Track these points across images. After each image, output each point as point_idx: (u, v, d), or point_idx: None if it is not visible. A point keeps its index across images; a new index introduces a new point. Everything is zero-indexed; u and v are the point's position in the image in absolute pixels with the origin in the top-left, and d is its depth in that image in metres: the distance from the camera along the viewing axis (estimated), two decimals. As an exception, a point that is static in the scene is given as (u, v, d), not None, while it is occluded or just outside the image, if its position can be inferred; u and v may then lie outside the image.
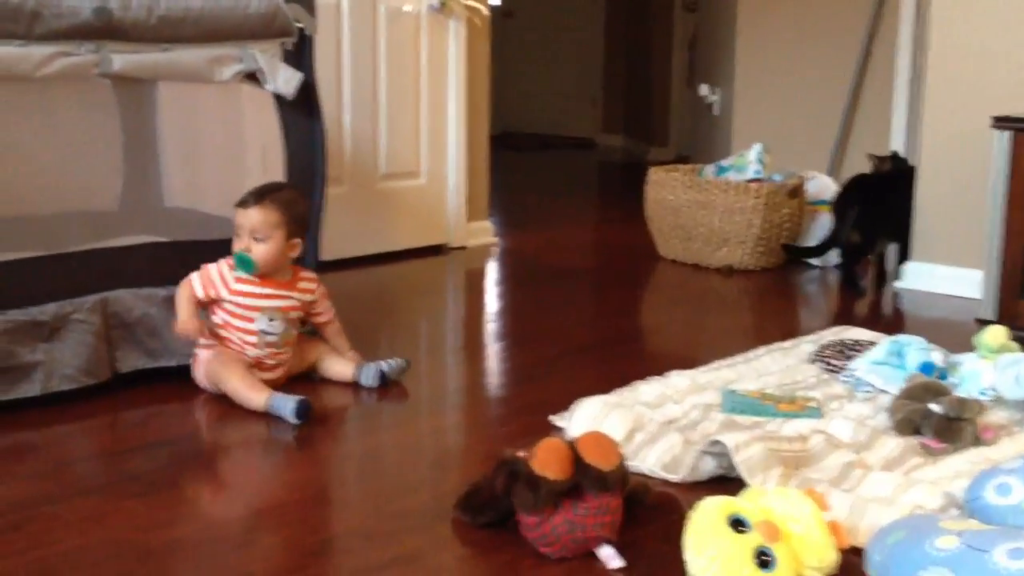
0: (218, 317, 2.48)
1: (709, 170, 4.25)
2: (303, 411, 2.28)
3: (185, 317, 2.42)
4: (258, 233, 2.43)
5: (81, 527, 1.79)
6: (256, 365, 2.47)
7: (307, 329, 2.67)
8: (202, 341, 2.48)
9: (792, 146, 5.24)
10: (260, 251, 2.44)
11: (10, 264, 2.34)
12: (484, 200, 4.54)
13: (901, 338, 2.60)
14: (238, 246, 2.45)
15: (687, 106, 7.74)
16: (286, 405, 2.29)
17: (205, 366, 2.45)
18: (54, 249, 2.42)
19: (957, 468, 2.02)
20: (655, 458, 2.05)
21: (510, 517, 1.76)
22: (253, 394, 2.35)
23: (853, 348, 2.74)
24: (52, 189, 2.60)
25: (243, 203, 2.46)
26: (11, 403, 2.31)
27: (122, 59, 2.40)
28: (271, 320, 2.47)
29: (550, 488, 1.67)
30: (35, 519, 1.81)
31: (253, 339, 2.46)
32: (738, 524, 1.58)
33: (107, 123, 2.68)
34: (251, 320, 2.46)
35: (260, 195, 2.46)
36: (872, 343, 2.74)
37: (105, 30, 2.35)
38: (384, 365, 2.55)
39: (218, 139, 2.97)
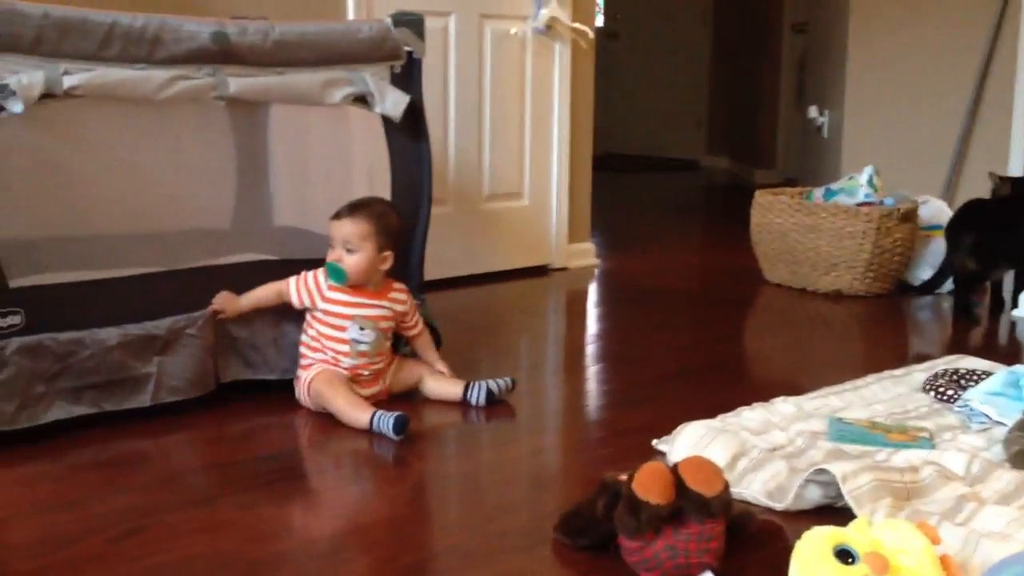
0: (312, 330, 2.54)
1: (818, 193, 4.17)
2: (401, 426, 2.32)
3: (234, 296, 2.50)
4: (350, 244, 2.50)
5: (191, 537, 1.84)
6: (354, 379, 2.51)
7: (406, 350, 2.71)
8: (303, 362, 2.54)
9: (904, 169, 5.12)
10: (351, 261, 2.50)
11: (128, 279, 2.43)
12: (586, 221, 4.54)
13: (1018, 368, 2.51)
14: (331, 257, 2.52)
15: (794, 128, 7.63)
16: (387, 421, 2.33)
17: (308, 386, 2.50)
18: (169, 265, 2.50)
19: (1077, 504, 1.94)
20: (759, 485, 2.02)
21: (611, 541, 1.75)
22: (357, 412, 2.39)
23: (967, 378, 2.65)
24: (169, 208, 2.69)
25: (337, 215, 2.54)
26: (123, 414, 2.39)
27: (238, 82, 2.47)
28: (362, 329, 2.52)
29: (652, 513, 1.66)
30: (147, 528, 1.87)
31: (345, 348, 2.51)
32: (845, 555, 1.55)
33: (222, 144, 2.77)
34: (343, 329, 2.51)
35: (353, 208, 2.54)
36: (987, 373, 2.65)
37: (222, 54, 2.43)
38: (492, 384, 2.57)
39: (326, 160, 3.03)
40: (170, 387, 2.44)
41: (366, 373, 2.54)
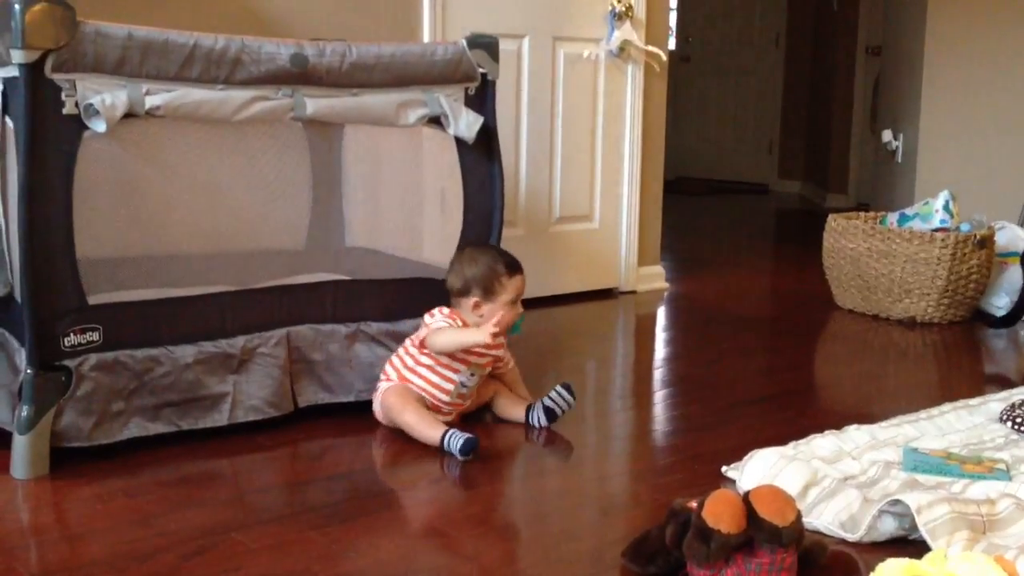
0: (419, 366, 2.54)
1: (892, 218, 4.11)
2: (469, 448, 2.33)
3: (475, 330, 2.45)
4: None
5: (262, 555, 1.86)
6: (433, 408, 2.53)
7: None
8: (382, 378, 2.56)
9: (981, 194, 5.02)
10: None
11: (204, 298, 2.47)
12: (656, 244, 4.52)
13: (1100, 400, 2.44)
14: (517, 310, 2.55)
15: (868, 152, 7.54)
16: (457, 441, 2.34)
17: (383, 398, 2.52)
18: (245, 285, 2.54)
19: None
20: (831, 515, 1.99)
21: (680, 569, 1.74)
22: (429, 430, 2.41)
23: (1047, 409, 2.59)
24: (245, 227, 2.73)
25: (517, 269, 2.56)
26: (198, 432, 2.43)
27: (315, 103, 2.51)
28: (472, 375, 2.56)
29: (722, 541, 1.64)
30: (219, 545, 1.89)
31: (450, 387, 2.53)
32: (921, 590, 1.52)
33: (298, 165, 2.80)
34: (456, 371, 2.53)
35: (519, 263, 2.58)
36: (1068, 404, 2.58)
37: (300, 76, 2.48)
38: (547, 400, 2.57)
39: (398, 181, 3.06)
40: (247, 406, 2.48)
41: (447, 409, 2.57)
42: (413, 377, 2.53)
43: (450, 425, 2.44)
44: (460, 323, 2.51)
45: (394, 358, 2.59)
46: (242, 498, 2.13)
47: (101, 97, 2.21)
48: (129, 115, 2.27)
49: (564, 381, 2.63)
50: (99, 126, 2.22)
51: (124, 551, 1.86)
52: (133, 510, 2.04)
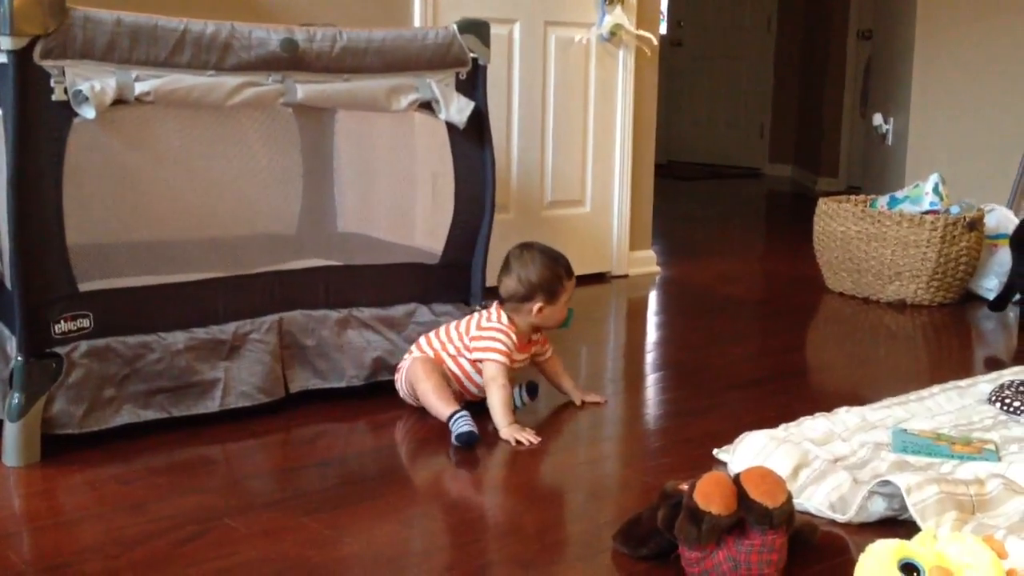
0: (470, 356, 2.53)
1: (882, 201, 4.12)
2: (466, 440, 2.33)
3: (506, 423, 2.45)
4: None
5: (256, 541, 1.86)
6: (458, 392, 2.54)
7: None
8: (415, 348, 2.58)
9: (970, 177, 5.04)
10: None
11: (195, 284, 2.47)
12: (647, 229, 4.53)
13: (1089, 381, 2.46)
14: (566, 308, 2.58)
15: (858, 135, 7.55)
16: (460, 426, 2.35)
17: (411, 366, 2.52)
18: (236, 270, 2.54)
19: None
20: (822, 496, 2.00)
21: (672, 551, 1.75)
22: (442, 404, 2.43)
23: (1036, 390, 2.61)
24: (236, 213, 2.73)
25: (572, 270, 2.59)
26: (190, 418, 2.43)
27: (305, 89, 2.51)
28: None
29: (714, 523, 1.65)
30: (213, 531, 1.90)
31: (480, 381, 2.54)
32: (910, 569, 1.53)
33: (289, 150, 2.80)
34: (531, 361, 2.59)
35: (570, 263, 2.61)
36: (1057, 386, 2.60)
37: (290, 61, 2.47)
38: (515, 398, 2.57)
39: (390, 166, 3.06)
40: (239, 392, 2.48)
41: (474, 396, 2.58)
42: (451, 364, 2.54)
43: (464, 407, 2.46)
44: (514, 337, 2.51)
45: (433, 339, 2.57)
46: (235, 484, 2.14)
47: (90, 83, 2.21)
48: (119, 101, 2.26)
49: (531, 382, 2.64)
50: (88, 112, 2.21)
51: (116, 538, 1.86)
52: (125, 497, 2.05)
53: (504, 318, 2.53)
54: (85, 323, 2.29)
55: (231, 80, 2.40)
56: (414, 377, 2.51)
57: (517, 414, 2.51)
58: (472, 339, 2.53)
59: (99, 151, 2.36)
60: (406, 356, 2.60)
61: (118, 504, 2.01)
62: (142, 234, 2.58)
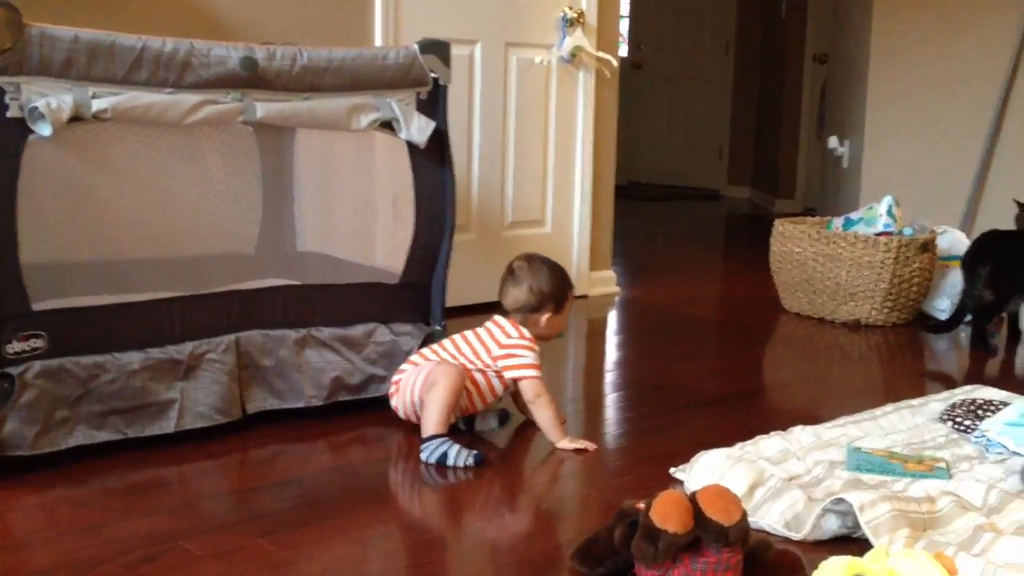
0: (496, 373, 2.54)
1: (837, 223, 4.18)
2: (438, 461, 2.33)
3: (560, 436, 2.50)
4: None
5: (211, 563, 1.84)
6: (465, 406, 2.55)
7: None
8: (432, 356, 2.56)
9: (924, 199, 5.12)
10: None
11: (151, 303, 2.45)
12: (608, 249, 4.56)
13: (1037, 400, 2.50)
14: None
15: (815, 158, 7.64)
16: (435, 451, 2.35)
17: (440, 368, 2.48)
18: (193, 290, 2.53)
19: (1097, 538, 1.93)
20: (777, 514, 2.02)
21: (628, 569, 1.75)
22: (438, 421, 2.40)
23: (984, 408, 2.65)
24: (194, 232, 2.72)
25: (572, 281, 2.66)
26: (145, 439, 2.40)
27: (265, 107, 2.50)
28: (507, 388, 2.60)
29: (670, 541, 1.66)
30: (167, 553, 1.88)
31: (492, 400, 2.57)
32: (862, 586, 1.55)
33: (248, 169, 2.80)
34: (506, 387, 2.57)
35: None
36: (1004, 403, 2.64)
37: (250, 79, 2.47)
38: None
39: (350, 185, 3.06)
40: (195, 413, 2.46)
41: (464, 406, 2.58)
42: (479, 377, 2.54)
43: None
44: (537, 347, 2.55)
45: (447, 356, 2.54)
46: (190, 506, 2.12)
47: (46, 100, 2.19)
48: (75, 119, 2.25)
49: (504, 410, 2.65)
50: (44, 130, 2.20)
51: (69, 561, 1.83)
52: (78, 519, 2.02)
53: (524, 331, 2.55)
54: (38, 343, 2.26)
55: (190, 98, 2.39)
56: (441, 376, 2.44)
57: (492, 435, 2.55)
58: (497, 358, 2.53)
59: (55, 169, 2.34)
60: (407, 366, 2.56)
61: (71, 527, 1.98)
62: (98, 253, 2.57)
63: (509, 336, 2.54)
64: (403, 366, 2.60)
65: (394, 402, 2.58)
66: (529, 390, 2.51)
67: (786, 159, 8.04)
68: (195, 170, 2.64)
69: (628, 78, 8.19)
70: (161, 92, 2.36)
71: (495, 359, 2.53)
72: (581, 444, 2.48)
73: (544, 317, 2.57)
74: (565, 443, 2.48)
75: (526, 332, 2.55)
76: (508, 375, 2.53)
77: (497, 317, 2.59)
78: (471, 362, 2.54)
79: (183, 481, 2.28)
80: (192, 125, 2.44)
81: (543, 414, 2.50)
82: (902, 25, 5.49)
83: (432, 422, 2.40)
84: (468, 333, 2.59)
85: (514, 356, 2.52)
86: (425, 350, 2.61)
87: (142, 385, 2.39)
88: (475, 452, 2.35)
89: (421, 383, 2.48)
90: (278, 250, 2.96)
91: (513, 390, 2.62)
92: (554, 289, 2.57)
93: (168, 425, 2.43)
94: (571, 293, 2.63)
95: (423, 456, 2.36)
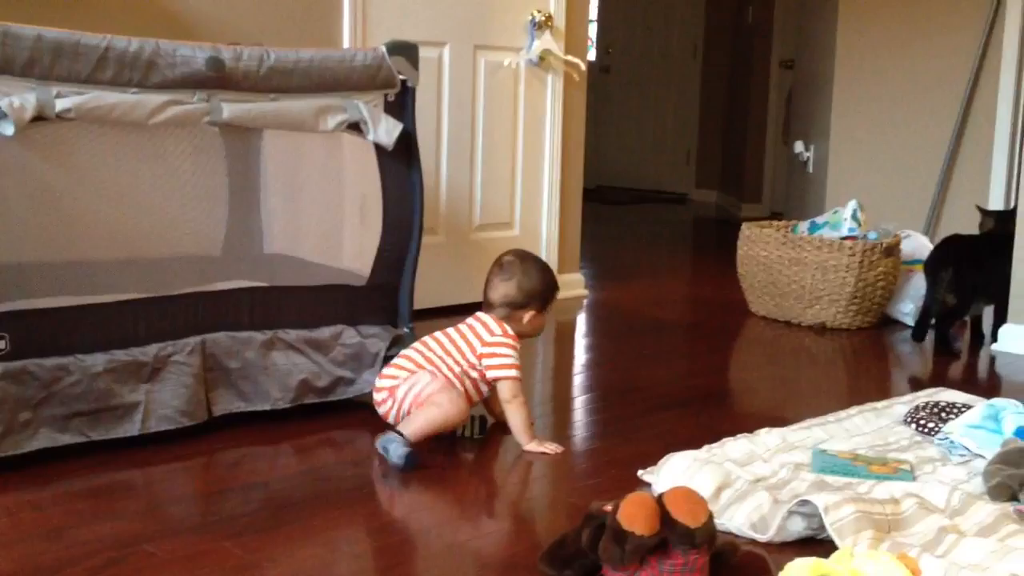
0: (477, 375, 2.54)
1: (803, 227, 4.21)
2: (406, 463, 2.33)
3: (529, 438, 2.51)
4: None
5: (176, 567, 1.83)
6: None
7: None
8: (426, 369, 2.52)
9: (888, 204, 5.17)
10: None
11: (116, 305, 2.43)
12: (576, 252, 4.57)
13: (997, 402, 2.53)
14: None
15: (781, 162, 7.70)
16: (386, 442, 2.35)
17: (433, 385, 2.47)
18: (158, 292, 2.50)
19: (1057, 538, 1.96)
20: (743, 516, 2.03)
21: (596, 572, 1.76)
22: (417, 433, 2.39)
23: (947, 411, 2.68)
24: (160, 233, 2.69)
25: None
26: (110, 442, 2.38)
27: (231, 108, 2.49)
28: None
29: (637, 543, 1.67)
30: (131, 557, 1.86)
31: (483, 393, 2.57)
32: (827, 587, 1.56)
33: (214, 170, 2.77)
34: (490, 386, 2.57)
35: None
36: (967, 406, 2.67)
37: (216, 80, 2.45)
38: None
39: (318, 187, 3.04)
40: (160, 416, 2.43)
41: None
42: (456, 384, 2.52)
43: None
44: (519, 345, 2.55)
45: (433, 356, 2.53)
46: (155, 509, 2.10)
47: (9, 100, 2.17)
48: (38, 118, 2.22)
49: (484, 417, 2.64)
50: (6, 129, 2.17)
51: (31, 565, 1.81)
52: (41, 523, 2.00)
53: (508, 329, 2.55)
54: (1, 345, 2.24)
55: (155, 98, 2.37)
56: (449, 404, 2.43)
57: (466, 442, 2.55)
58: (482, 356, 2.53)
59: (17, 169, 2.31)
60: (395, 371, 2.52)
61: (33, 530, 1.96)
62: (62, 254, 2.54)
63: (493, 333, 2.54)
64: (390, 371, 2.55)
65: (383, 409, 2.53)
66: (507, 390, 2.51)
67: (753, 163, 8.09)
68: (160, 171, 2.61)
69: (596, 82, 8.23)
70: (126, 92, 2.34)
71: (480, 356, 2.53)
72: (548, 448, 2.49)
73: (528, 315, 2.57)
74: (533, 445, 2.49)
75: (509, 329, 2.55)
76: (490, 374, 2.53)
77: (480, 314, 2.59)
78: (456, 362, 2.53)
79: (148, 484, 2.26)
80: (157, 125, 2.42)
81: (516, 415, 2.50)
82: (867, 32, 5.55)
83: (413, 430, 2.39)
84: (451, 331, 2.59)
85: (496, 355, 2.52)
86: (411, 352, 2.56)
87: (106, 387, 2.36)
88: (408, 452, 2.32)
89: (418, 394, 2.46)
90: (245, 252, 2.94)
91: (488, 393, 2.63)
92: (542, 288, 2.57)
93: (133, 428, 2.41)
94: (556, 294, 2.63)
95: (377, 443, 2.36)
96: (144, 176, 2.59)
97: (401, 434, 2.37)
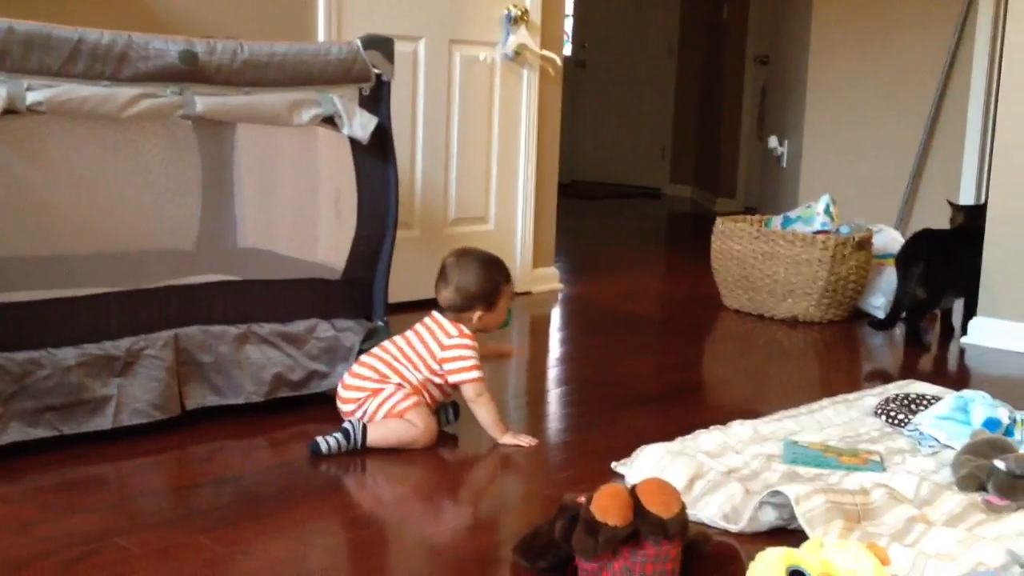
0: (439, 380, 2.53)
1: (776, 221, 4.24)
2: (314, 447, 2.36)
3: (502, 432, 2.52)
4: None
5: (147, 561, 1.82)
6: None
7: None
8: (392, 381, 2.50)
9: (860, 198, 5.21)
10: None
11: (88, 299, 2.41)
12: (550, 247, 4.57)
13: (966, 393, 2.56)
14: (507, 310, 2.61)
15: (755, 157, 7.73)
16: (334, 436, 2.38)
17: (408, 401, 2.45)
18: (130, 285, 2.49)
19: (1020, 526, 1.99)
20: (715, 507, 2.04)
21: (569, 563, 1.77)
22: (376, 438, 2.40)
23: (917, 402, 2.70)
24: (132, 227, 2.68)
25: (510, 274, 2.60)
26: (82, 436, 2.37)
27: (205, 101, 2.48)
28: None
29: (610, 534, 1.67)
30: (103, 551, 1.85)
31: (443, 393, 2.56)
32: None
33: (187, 164, 2.77)
34: (455, 388, 2.56)
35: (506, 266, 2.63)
36: (936, 398, 2.70)
37: (190, 73, 2.44)
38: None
39: (292, 181, 3.04)
40: (132, 410, 2.43)
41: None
42: (432, 390, 2.53)
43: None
44: (475, 343, 2.52)
45: (395, 363, 2.50)
46: (127, 503, 2.10)
47: (-21, 92, 2.15)
48: (9, 111, 2.21)
49: (455, 404, 2.64)
50: (-23, 122, 2.16)
51: (2, 559, 1.80)
52: (12, 517, 1.99)
53: (463, 328, 2.51)
54: (-28, 338, 2.22)
55: (127, 91, 2.36)
56: (418, 421, 2.43)
57: (440, 434, 2.54)
58: (443, 360, 2.50)
59: (-12, 162, 2.30)
60: (361, 382, 2.49)
61: (4, 524, 1.95)
62: (33, 248, 2.52)
63: (450, 335, 2.51)
64: (354, 381, 2.50)
65: (347, 407, 2.51)
66: (471, 391, 2.50)
67: (727, 158, 8.13)
68: (133, 165, 2.60)
69: (572, 77, 8.23)
70: (98, 85, 2.33)
71: (440, 361, 2.50)
72: (523, 440, 2.50)
73: (476, 316, 2.52)
74: (507, 438, 2.50)
75: (465, 329, 2.52)
76: (452, 379, 2.50)
77: (435, 313, 2.56)
78: (418, 369, 2.50)
79: (120, 478, 2.25)
80: (130, 119, 2.41)
81: (484, 412, 2.50)
82: (840, 28, 5.58)
83: (381, 435, 2.41)
84: (409, 334, 2.55)
85: (456, 359, 2.49)
86: (373, 361, 2.51)
87: (78, 381, 2.35)
88: (313, 441, 2.36)
89: (392, 408, 2.45)
90: (218, 246, 2.94)
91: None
92: (482, 289, 2.51)
93: (105, 422, 2.40)
94: (505, 288, 2.55)
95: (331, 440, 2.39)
96: (116, 170, 2.58)
97: (352, 427, 2.39)
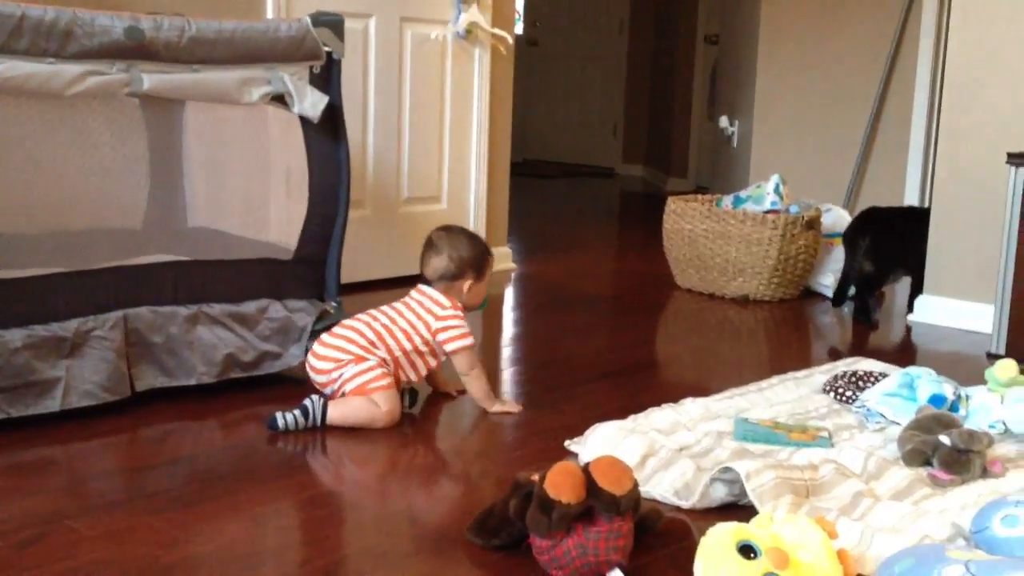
0: (427, 351, 2.56)
1: (727, 201, 4.27)
2: (272, 423, 2.37)
3: (492, 403, 2.60)
4: None
5: (98, 543, 1.81)
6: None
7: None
8: (371, 356, 2.50)
9: (809, 178, 5.27)
10: None
11: (34, 280, 2.38)
12: (503, 226, 4.57)
13: (912, 370, 2.61)
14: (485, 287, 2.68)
15: (706, 137, 7.78)
16: (298, 410, 2.39)
17: (381, 382, 2.45)
18: (78, 266, 2.46)
19: (965, 499, 2.04)
20: (667, 484, 2.07)
21: (523, 540, 1.78)
22: (340, 415, 2.41)
23: (864, 379, 2.75)
24: (78, 206, 2.65)
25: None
26: (31, 418, 2.34)
27: (152, 79, 2.44)
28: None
29: (563, 512, 1.69)
30: (53, 534, 1.84)
31: (415, 378, 2.58)
32: (748, 551, 1.59)
33: (134, 142, 2.73)
34: (439, 364, 2.61)
35: None
36: (883, 375, 2.75)
37: (136, 50, 2.40)
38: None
39: (243, 160, 3.01)
40: (81, 392, 2.40)
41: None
42: (405, 362, 2.53)
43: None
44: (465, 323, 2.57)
45: (394, 326, 2.52)
46: (78, 485, 2.08)
47: (-80, 69, 2.10)
48: (-49, 88, 2.17)
49: (413, 390, 2.63)
50: (-82, 99, 2.11)
51: (-50, 542, 1.78)
52: (-40, 500, 1.96)
53: (455, 301, 2.57)
54: (-85, 320, 2.18)
55: (72, 68, 2.32)
56: (382, 403, 2.43)
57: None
58: (437, 331, 2.54)
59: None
60: (338, 352, 2.48)
61: (-49, 508, 1.93)
62: (-23, 227, 2.48)
63: (443, 307, 2.56)
64: (338, 342, 2.49)
65: (321, 379, 2.50)
66: (464, 361, 2.56)
67: (679, 138, 8.17)
68: (78, 143, 2.56)
69: (523, 55, 8.21)
70: (42, 62, 2.29)
71: (435, 332, 2.54)
72: (512, 408, 2.59)
73: (466, 284, 2.59)
74: (497, 407, 2.57)
75: (457, 302, 2.58)
76: (448, 347, 2.54)
77: (422, 286, 2.59)
78: (409, 339, 2.53)
79: (70, 460, 2.22)
80: (75, 96, 2.37)
81: (477, 384, 2.58)
82: (790, 8, 5.62)
83: (342, 413, 2.41)
84: (399, 305, 2.58)
85: (451, 328, 2.55)
86: (361, 326, 2.51)
87: (25, 363, 2.32)
88: (271, 416, 2.38)
89: (364, 384, 2.45)
90: (167, 225, 2.90)
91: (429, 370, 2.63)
92: (474, 256, 2.60)
93: (53, 404, 2.37)
94: (490, 260, 2.66)
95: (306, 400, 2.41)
96: (61, 148, 2.54)
97: (324, 407, 2.39)
